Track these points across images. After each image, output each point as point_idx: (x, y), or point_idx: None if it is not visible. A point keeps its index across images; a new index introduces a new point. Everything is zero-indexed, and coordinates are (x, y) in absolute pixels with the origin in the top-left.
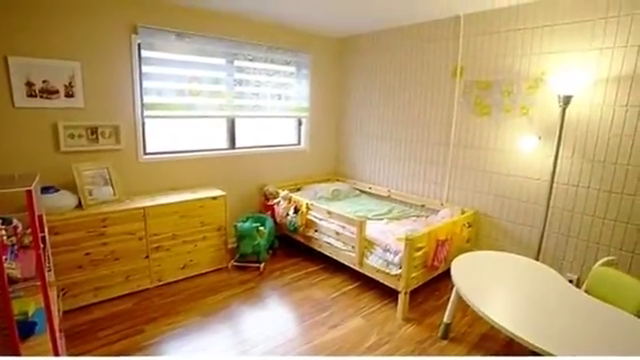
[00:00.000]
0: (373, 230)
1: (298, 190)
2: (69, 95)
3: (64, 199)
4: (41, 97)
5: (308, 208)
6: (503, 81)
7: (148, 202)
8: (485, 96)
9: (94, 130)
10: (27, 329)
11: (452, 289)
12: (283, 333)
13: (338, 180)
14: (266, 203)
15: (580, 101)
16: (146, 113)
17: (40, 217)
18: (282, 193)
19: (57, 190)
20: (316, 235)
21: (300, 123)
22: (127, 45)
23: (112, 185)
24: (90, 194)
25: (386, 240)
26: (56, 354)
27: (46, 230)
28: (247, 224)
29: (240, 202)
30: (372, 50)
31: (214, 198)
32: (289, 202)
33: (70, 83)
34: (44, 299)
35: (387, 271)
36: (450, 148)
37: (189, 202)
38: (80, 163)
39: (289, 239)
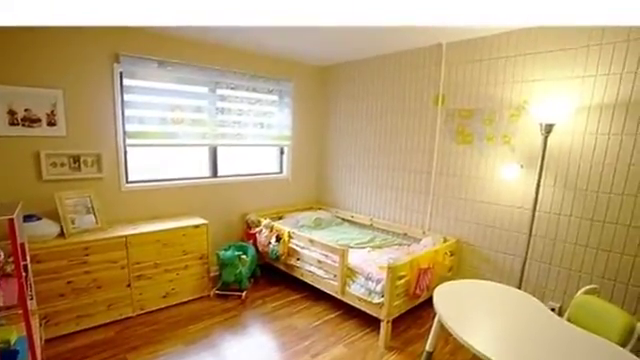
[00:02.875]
0: (355, 258)
1: (280, 219)
2: (51, 124)
3: (46, 227)
4: (23, 125)
5: (290, 236)
6: (485, 109)
7: (130, 230)
8: (467, 124)
9: (76, 158)
10: (9, 358)
11: (434, 317)
12: None
13: (320, 209)
14: (248, 231)
15: (562, 129)
16: (128, 141)
17: (22, 245)
18: (264, 221)
19: (39, 218)
20: (298, 263)
21: (282, 152)
22: (109, 73)
23: (94, 213)
24: (72, 222)
25: (368, 268)
26: None
27: (28, 258)
28: (229, 252)
29: (222, 230)
30: (354, 78)
31: (196, 227)
32: (271, 230)
33: (52, 112)
34: (26, 327)
35: (369, 299)
36: (432, 176)
37: (171, 230)
38: (62, 191)
39: (271, 267)
